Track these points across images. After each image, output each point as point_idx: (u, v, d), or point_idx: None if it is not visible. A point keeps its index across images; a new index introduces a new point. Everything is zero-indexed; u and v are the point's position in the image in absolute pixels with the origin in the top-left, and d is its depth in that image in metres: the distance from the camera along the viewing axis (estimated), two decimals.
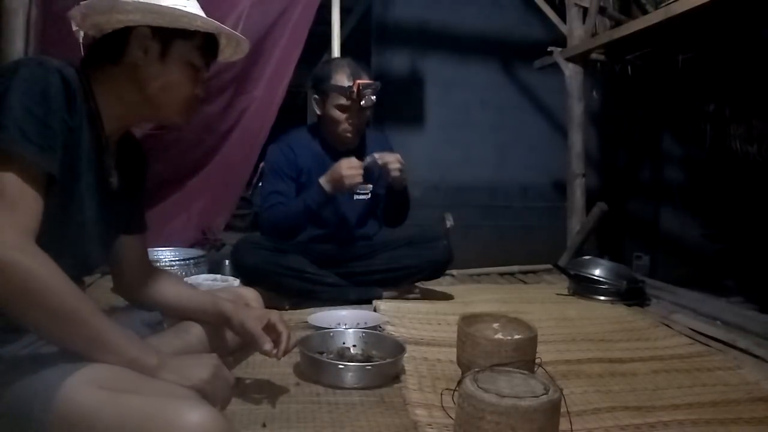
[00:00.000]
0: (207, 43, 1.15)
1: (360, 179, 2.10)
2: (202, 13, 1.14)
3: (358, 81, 2.14)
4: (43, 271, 0.88)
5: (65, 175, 0.98)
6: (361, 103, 2.14)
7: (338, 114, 2.20)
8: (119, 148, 1.18)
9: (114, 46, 1.09)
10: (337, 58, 2.34)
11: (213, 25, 1.12)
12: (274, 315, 1.32)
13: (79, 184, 1.04)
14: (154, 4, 1.06)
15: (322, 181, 2.13)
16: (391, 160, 2.14)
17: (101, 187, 1.10)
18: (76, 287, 0.92)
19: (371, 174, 2.20)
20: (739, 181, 3.35)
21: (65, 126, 0.97)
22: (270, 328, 1.29)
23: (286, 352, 1.27)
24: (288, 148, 2.28)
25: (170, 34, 1.09)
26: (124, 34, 1.08)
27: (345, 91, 2.16)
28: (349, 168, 2.08)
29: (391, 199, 2.30)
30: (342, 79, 2.18)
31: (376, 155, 2.14)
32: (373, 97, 2.15)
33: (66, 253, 1.04)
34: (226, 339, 1.41)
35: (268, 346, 1.24)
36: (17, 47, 2.25)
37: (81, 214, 1.06)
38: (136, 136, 1.29)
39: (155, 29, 1.08)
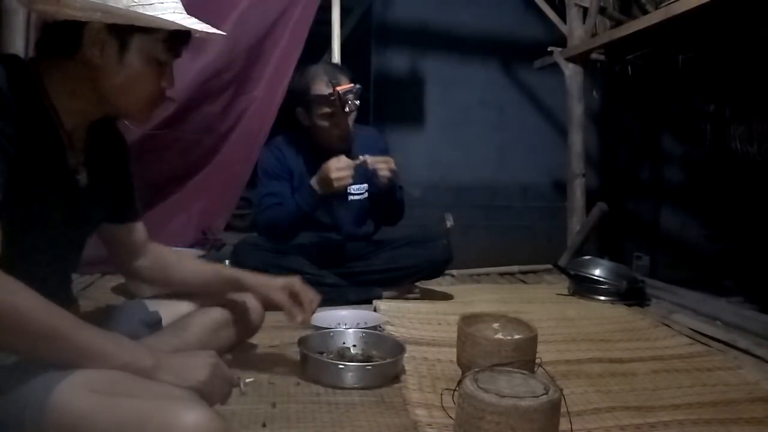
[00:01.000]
0: (174, 33, 1.05)
1: (349, 180, 2.08)
2: (170, 0, 1.03)
3: (338, 87, 2.10)
4: (17, 300, 0.85)
5: (19, 185, 0.93)
6: (345, 109, 2.11)
7: (324, 123, 2.19)
8: (92, 139, 1.13)
9: (67, 39, 1.01)
10: (313, 65, 2.31)
11: (176, 24, 1.03)
12: (297, 284, 1.42)
13: (39, 190, 0.99)
14: (107, 5, 0.96)
15: (313, 182, 2.12)
16: (382, 165, 2.11)
17: (67, 188, 1.06)
18: (52, 306, 0.88)
19: (365, 173, 2.19)
20: (739, 181, 3.35)
21: (1, 136, 0.89)
22: (294, 297, 1.40)
23: (309, 318, 1.43)
24: (279, 151, 2.28)
25: (129, 29, 1.01)
26: (78, 26, 0.99)
27: (326, 100, 2.14)
28: (338, 169, 2.06)
29: (379, 198, 2.29)
30: (321, 88, 2.15)
31: (368, 158, 2.11)
32: (357, 102, 2.12)
33: (40, 260, 1.02)
34: (225, 337, 1.42)
35: (300, 318, 1.39)
36: (17, 47, 2.26)
37: (48, 220, 1.03)
38: (113, 123, 1.22)
39: (111, 24, 0.99)
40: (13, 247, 0.90)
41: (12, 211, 0.91)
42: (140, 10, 0.99)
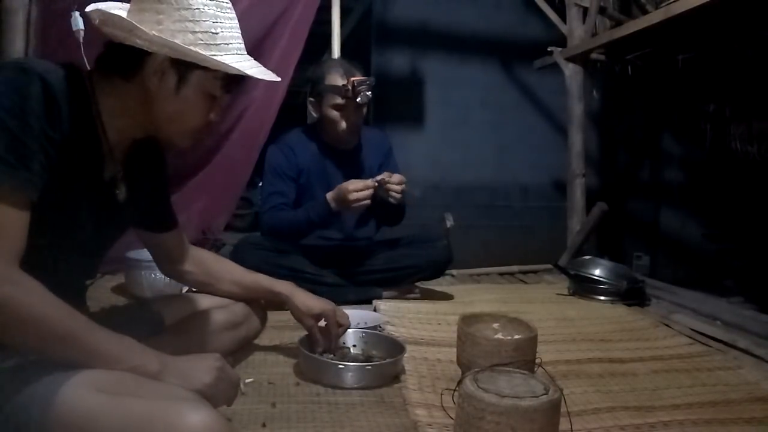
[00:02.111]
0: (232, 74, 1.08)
1: (367, 202, 2.09)
2: (235, 41, 1.07)
3: (352, 78, 2.13)
4: (33, 299, 0.87)
5: (55, 189, 0.94)
6: (357, 99, 2.13)
7: (335, 114, 2.20)
8: (131, 153, 1.15)
9: (129, 63, 1.03)
10: (329, 58, 2.35)
11: (237, 70, 1.05)
12: (329, 314, 1.50)
13: (74, 197, 1.01)
14: (176, 44, 0.99)
15: (329, 197, 2.12)
16: (395, 187, 2.11)
17: (104, 201, 1.08)
18: (66, 308, 0.90)
19: (371, 175, 2.19)
20: (739, 181, 3.35)
21: (45, 140, 0.91)
22: (326, 327, 1.51)
23: (333, 348, 1.53)
24: (288, 148, 2.28)
25: (190, 65, 1.04)
26: (142, 53, 1.02)
27: (340, 90, 2.16)
28: (357, 191, 2.06)
29: (385, 207, 2.29)
30: (336, 79, 2.18)
31: (385, 178, 2.10)
32: (369, 93, 2.14)
33: (62, 264, 1.03)
34: (228, 339, 1.42)
35: (320, 350, 1.50)
36: (17, 47, 2.26)
37: (78, 228, 1.04)
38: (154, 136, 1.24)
39: (175, 58, 1.02)
40: (37, 248, 0.92)
41: (43, 215, 0.93)
42: (204, 50, 1.02)
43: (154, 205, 1.29)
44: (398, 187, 2.12)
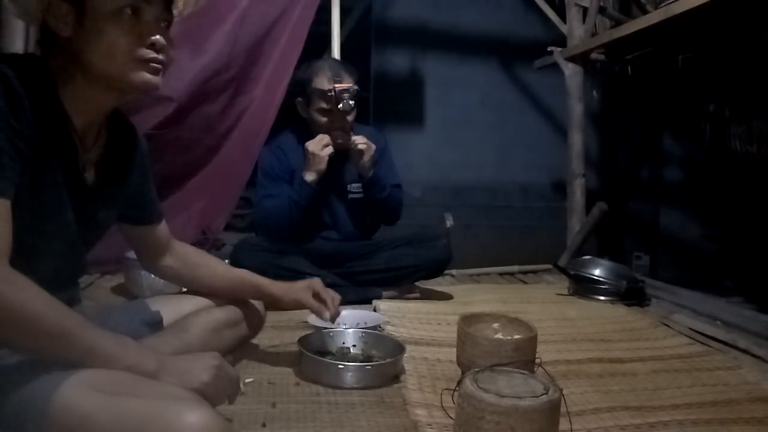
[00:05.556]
0: None
1: (330, 150, 2.14)
2: None
3: (336, 86, 2.14)
4: (25, 297, 0.85)
5: (31, 183, 0.93)
6: (339, 106, 2.14)
7: (320, 117, 2.21)
8: (110, 142, 1.13)
9: (44, 31, 1.00)
10: (320, 59, 2.35)
11: None
12: (317, 284, 1.50)
13: (48, 187, 0.99)
14: None
15: (303, 173, 2.17)
16: (358, 139, 2.18)
17: (76, 187, 1.06)
18: (60, 306, 0.89)
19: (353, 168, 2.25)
20: (739, 181, 3.35)
21: (13, 134, 0.89)
22: (317, 297, 1.51)
23: (336, 314, 1.52)
24: (279, 150, 2.29)
25: None
26: (42, 10, 0.98)
27: (325, 95, 2.17)
28: (317, 144, 2.13)
29: (368, 193, 2.29)
30: (322, 83, 2.19)
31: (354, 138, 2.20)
32: (351, 102, 2.16)
33: (48, 260, 1.02)
34: (227, 338, 1.42)
35: (327, 315, 1.50)
36: (17, 47, 2.25)
37: (58, 219, 1.03)
38: (131, 124, 1.23)
39: None
40: (22, 245, 0.91)
41: (22, 210, 0.92)
42: None
43: (133, 197, 1.25)
44: (361, 138, 2.20)
